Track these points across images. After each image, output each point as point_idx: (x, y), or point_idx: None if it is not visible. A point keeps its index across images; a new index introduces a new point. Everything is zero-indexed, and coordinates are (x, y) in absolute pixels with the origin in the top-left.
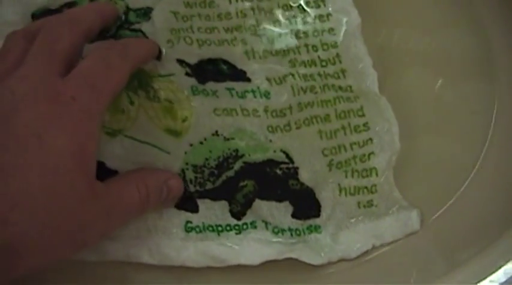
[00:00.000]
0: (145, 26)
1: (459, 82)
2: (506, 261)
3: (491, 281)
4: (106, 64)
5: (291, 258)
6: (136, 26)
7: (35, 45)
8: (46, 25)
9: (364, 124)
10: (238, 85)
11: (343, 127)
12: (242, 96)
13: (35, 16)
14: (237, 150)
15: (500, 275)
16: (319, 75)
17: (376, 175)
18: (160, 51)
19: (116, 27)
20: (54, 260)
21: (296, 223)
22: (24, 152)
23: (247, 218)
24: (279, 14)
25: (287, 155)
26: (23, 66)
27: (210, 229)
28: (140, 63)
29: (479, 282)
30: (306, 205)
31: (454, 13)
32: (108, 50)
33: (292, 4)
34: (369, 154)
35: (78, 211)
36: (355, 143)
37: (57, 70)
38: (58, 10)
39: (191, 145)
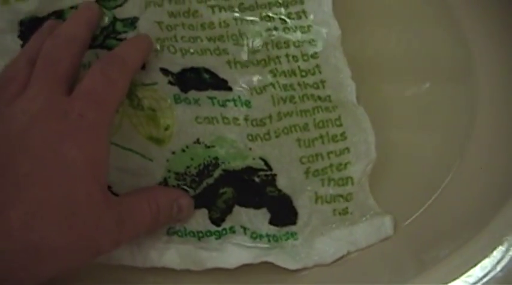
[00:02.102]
0: (131, 35)
1: (437, 90)
2: (475, 264)
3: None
4: (107, 79)
5: (267, 262)
6: (122, 36)
7: (37, 69)
8: (44, 48)
9: (342, 134)
10: (220, 94)
11: (321, 136)
12: (223, 104)
13: (23, 23)
14: (216, 158)
15: (467, 277)
16: (299, 85)
17: (352, 183)
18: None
19: (103, 37)
20: (72, 266)
21: (273, 230)
22: (40, 164)
23: (226, 224)
24: (261, 25)
25: (266, 163)
26: (29, 89)
27: (191, 234)
28: (140, 65)
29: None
30: (283, 212)
31: (432, 17)
32: (108, 65)
33: (273, 15)
34: (346, 163)
35: (93, 217)
36: (332, 152)
37: (62, 89)
38: (46, 18)
39: (173, 152)
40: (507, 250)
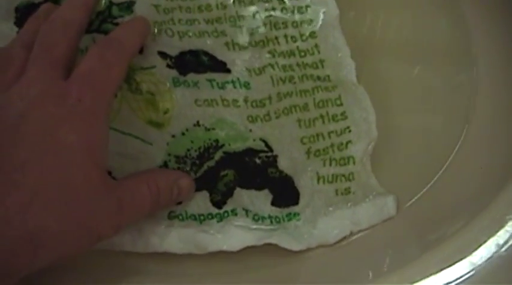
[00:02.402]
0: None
1: (437, 68)
2: (479, 245)
3: (462, 263)
4: (104, 63)
5: (270, 244)
6: (119, 20)
7: (34, 53)
8: (41, 32)
9: (342, 113)
10: (219, 76)
11: (322, 116)
12: (222, 86)
13: (19, 10)
14: (217, 140)
15: (472, 257)
16: (298, 65)
17: (354, 163)
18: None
19: (100, 21)
20: (72, 252)
21: (275, 211)
22: (37, 149)
23: (228, 207)
24: (259, 6)
25: (266, 144)
26: (26, 73)
27: (193, 217)
28: (138, 48)
29: (450, 265)
30: (285, 193)
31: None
32: (104, 48)
33: None
34: (347, 143)
35: (92, 202)
36: (332, 132)
37: (59, 74)
38: (41, 4)
39: (173, 136)
40: (509, 231)
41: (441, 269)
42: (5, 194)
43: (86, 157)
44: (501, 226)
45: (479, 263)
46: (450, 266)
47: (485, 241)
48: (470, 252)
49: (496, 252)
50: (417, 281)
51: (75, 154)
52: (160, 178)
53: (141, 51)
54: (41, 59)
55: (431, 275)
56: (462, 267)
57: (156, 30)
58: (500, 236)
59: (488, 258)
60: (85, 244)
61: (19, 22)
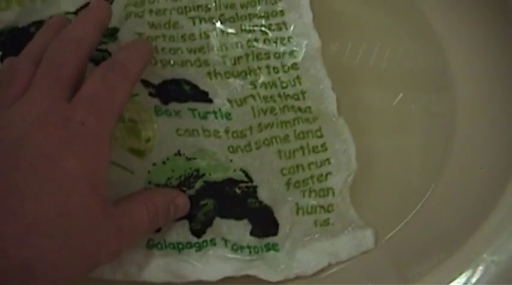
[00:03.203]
0: (111, 46)
1: (417, 96)
2: (453, 279)
3: None
4: (109, 86)
5: (248, 275)
6: (102, 46)
7: (41, 70)
8: (50, 49)
9: (322, 145)
10: (201, 106)
11: (302, 148)
12: (204, 116)
13: (3, 33)
14: (198, 170)
15: None
16: (280, 96)
17: (333, 194)
18: None
19: None
20: (70, 280)
21: (254, 241)
22: (37, 174)
23: (207, 236)
24: (241, 36)
25: (246, 175)
26: (31, 91)
27: (171, 246)
28: (141, 71)
29: None
30: (265, 223)
31: (412, 29)
32: (109, 72)
33: (254, 27)
34: (326, 174)
35: (91, 231)
36: (312, 163)
37: (64, 94)
38: (26, 28)
39: (154, 164)
40: (487, 266)
41: None
42: (2, 223)
43: (86, 184)
44: (476, 264)
45: None
46: None
47: (458, 277)
48: None
49: None
50: None
51: (75, 181)
52: (158, 198)
53: None
54: (47, 77)
55: None
56: None
57: None
58: (475, 274)
59: None
60: (83, 271)
61: (3, 45)
